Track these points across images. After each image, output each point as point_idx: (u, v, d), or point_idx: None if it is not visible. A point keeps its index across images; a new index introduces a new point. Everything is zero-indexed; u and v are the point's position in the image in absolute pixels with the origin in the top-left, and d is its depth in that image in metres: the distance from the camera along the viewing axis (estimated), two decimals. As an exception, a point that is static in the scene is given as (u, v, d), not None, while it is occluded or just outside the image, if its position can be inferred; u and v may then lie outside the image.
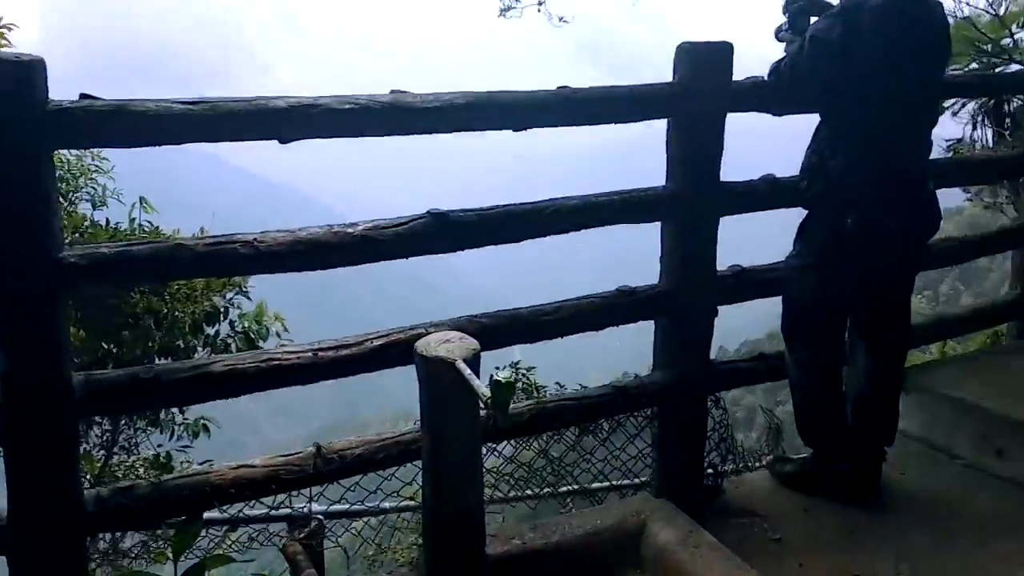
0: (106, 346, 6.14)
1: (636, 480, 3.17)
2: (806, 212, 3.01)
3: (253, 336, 6.43)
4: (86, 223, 5.52)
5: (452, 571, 2.23)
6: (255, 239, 2.22)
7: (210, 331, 6.49)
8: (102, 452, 7.17)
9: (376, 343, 2.45)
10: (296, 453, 2.48)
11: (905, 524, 2.85)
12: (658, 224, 2.88)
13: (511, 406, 1.75)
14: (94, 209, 5.91)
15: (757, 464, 3.34)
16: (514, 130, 2.50)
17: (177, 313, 5.92)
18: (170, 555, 2.42)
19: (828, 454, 3.05)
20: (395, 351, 2.44)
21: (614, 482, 3.26)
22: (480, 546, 2.28)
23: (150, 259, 2.10)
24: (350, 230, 2.34)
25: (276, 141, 2.20)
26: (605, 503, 2.56)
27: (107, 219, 5.90)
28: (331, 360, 2.39)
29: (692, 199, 2.81)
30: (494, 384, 1.73)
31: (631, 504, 2.54)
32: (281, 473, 2.42)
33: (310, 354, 2.38)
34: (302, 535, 2.79)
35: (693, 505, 2.87)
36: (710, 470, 3.02)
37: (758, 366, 3.19)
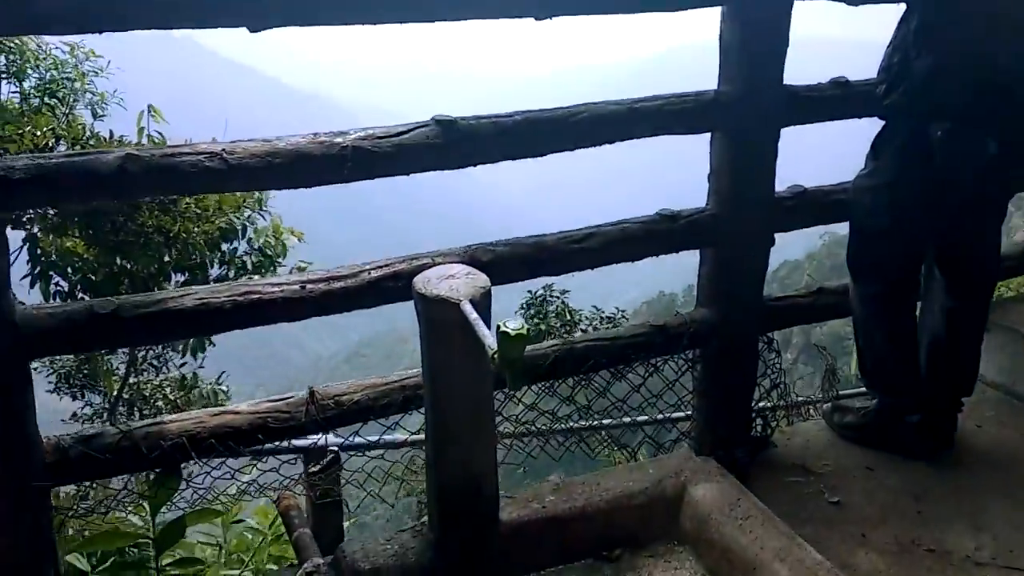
0: (120, 262, 5.93)
1: (680, 413, 2.79)
2: (882, 123, 2.54)
3: (271, 253, 6.17)
4: (86, 134, 5.20)
5: (459, 540, 1.93)
6: (223, 150, 1.85)
7: (226, 248, 6.25)
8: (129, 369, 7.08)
9: (373, 275, 2.10)
10: (286, 397, 2.17)
11: (982, 486, 2.48)
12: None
13: (522, 362, 1.38)
14: (94, 119, 5.59)
15: (811, 412, 2.96)
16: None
17: (191, 231, 5.66)
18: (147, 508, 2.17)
19: (895, 404, 2.67)
20: (395, 284, 2.09)
21: (652, 416, 2.88)
22: (492, 512, 1.98)
23: (90, 172, 1.75)
24: (339, 140, 1.96)
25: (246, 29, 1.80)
26: (636, 464, 2.22)
27: (111, 131, 5.59)
28: (321, 294, 2.05)
29: (749, 104, 2.36)
30: (501, 337, 1.37)
31: (668, 462, 2.20)
32: (269, 421, 2.12)
33: (296, 287, 2.04)
34: (317, 468, 2.53)
35: (738, 460, 2.54)
36: (759, 420, 2.67)
37: (817, 301, 2.79)
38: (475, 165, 2.15)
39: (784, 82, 2.42)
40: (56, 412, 8.12)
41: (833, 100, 2.57)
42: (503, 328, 1.37)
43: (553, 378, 2.38)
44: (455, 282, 1.71)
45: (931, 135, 2.33)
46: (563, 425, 2.60)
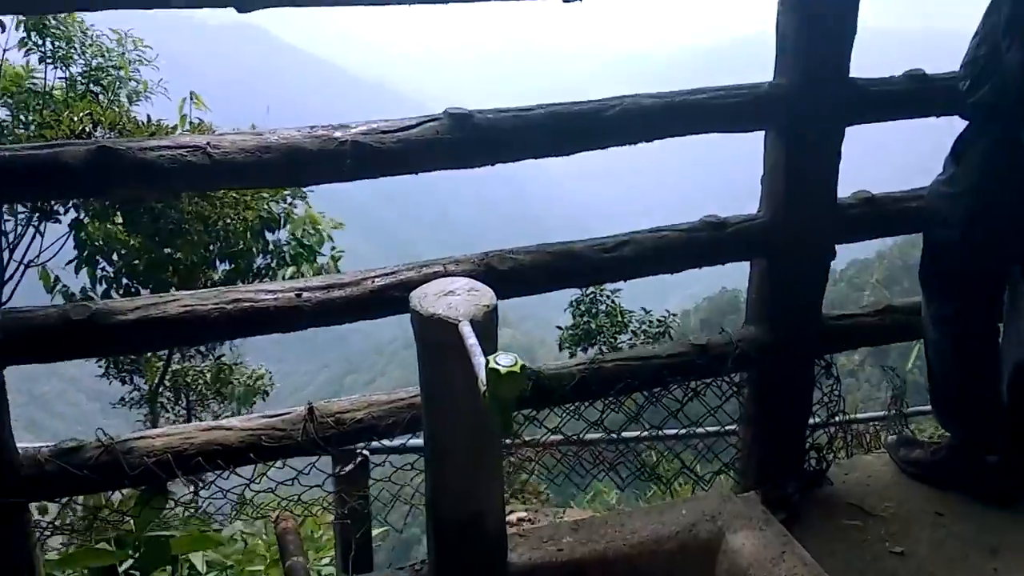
0: (166, 251, 5.91)
1: (726, 428, 2.50)
2: (965, 123, 2.23)
3: (308, 244, 6.07)
4: (123, 119, 5.15)
5: (459, 587, 1.71)
6: (207, 143, 1.67)
7: (271, 238, 6.18)
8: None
9: (377, 283, 1.89)
10: (282, 414, 1.99)
11: (1072, 540, 2.16)
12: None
13: (514, 405, 1.16)
14: (130, 104, 5.55)
15: (872, 444, 2.66)
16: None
17: (228, 220, 5.59)
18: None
19: (971, 440, 2.35)
20: (402, 295, 1.88)
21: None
22: (497, 552, 1.75)
23: (56, 166, 1.58)
24: (338, 134, 1.75)
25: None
26: (668, 503, 1.97)
27: (148, 115, 5.54)
28: (318, 304, 1.86)
29: (809, 100, 2.08)
30: (491, 374, 1.14)
31: (704, 503, 1.95)
32: (262, 439, 1.94)
33: (291, 295, 1.85)
34: (344, 471, 2.36)
35: (788, 496, 2.27)
36: (813, 452, 2.39)
37: (884, 321, 2.48)
38: (493, 164, 1.92)
39: (851, 75, 2.13)
40: (108, 395, 8.22)
41: (907, 96, 2.26)
42: (492, 364, 1.15)
43: (579, 400, 2.14)
44: (454, 299, 1.49)
45: (1022, 139, 2.02)
46: (586, 470, 2.35)
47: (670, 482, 2.35)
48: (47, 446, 1.86)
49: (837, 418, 2.39)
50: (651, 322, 8.21)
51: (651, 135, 2.01)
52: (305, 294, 1.85)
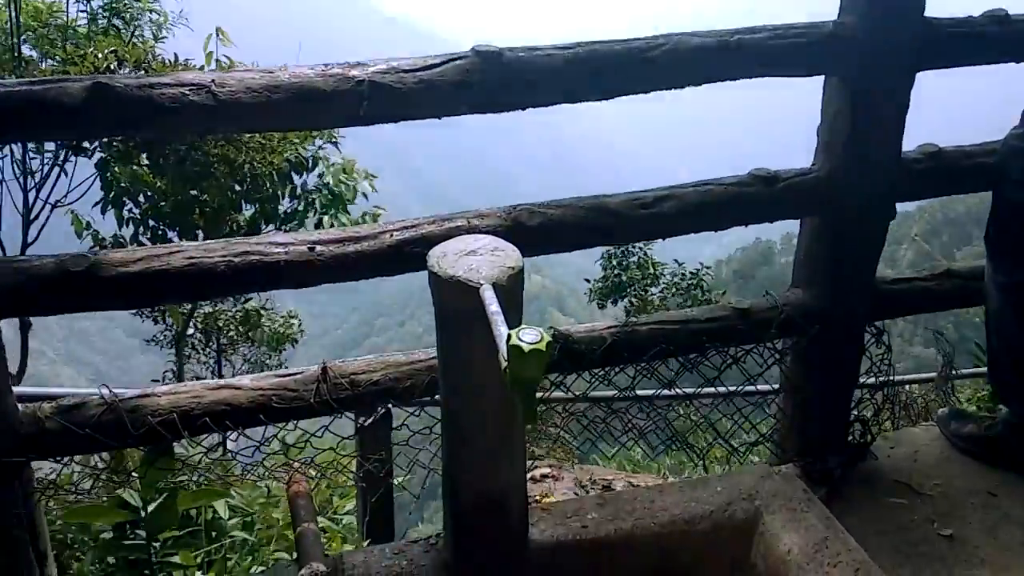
0: (192, 193, 5.82)
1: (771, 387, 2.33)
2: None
3: (339, 191, 5.93)
4: (148, 56, 5.00)
5: (476, 565, 1.61)
6: (212, 81, 1.52)
7: (298, 181, 6.05)
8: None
9: (395, 237, 1.75)
10: (294, 373, 1.88)
11: None
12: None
13: (536, 385, 1.03)
14: (155, 40, 5.39)
15: (919, 415, 2.50)
16: None
17: (255, 163, 5.46)
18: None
19: (1032, 416, 2.19)
20: (422, 250, 1.74)
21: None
22: (518, 531, 1.64)
23: (51, 104, 1.45)
24: (354, 73, 1.59)
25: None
26: (701, 479, 1.83)
27: (175, 54, 5.39)
28: (332, 258, 1.72)
29: (877, 41, 1.87)
30: (512, 351, 1.00)
31: (740, 479, 1.81)
32: (273, 399, 1.84)
33: (303, 248, 1.72)
34: (368, 423, 2.27)
35: (830, 471, 2.13)
36: (858, 424, 2.23)
37: (942, 286, 2.29)
38: (524, 108, 1.75)
39: (924, 14, 1.91)
40: (144, 332, 8.24)
41: (987, 39, 2.02)
42: (515, 340, 1.01)
43: (609, 366, 2.00)
44: (476, 260, 1.34)
45: None
46: (616, 437, 2.21)
47: (703, 453, 2.22)
48: (46, 403, 1.77)
49: (886, 389, 2.22)
50: (683, 275, 8.03)
51: (701, 78, 1.82)
52: (319, 247, 1.72)
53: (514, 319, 1.37)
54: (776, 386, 2.29)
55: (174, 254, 1.67)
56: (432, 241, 1.75)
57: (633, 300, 7.73)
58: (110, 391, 1.78)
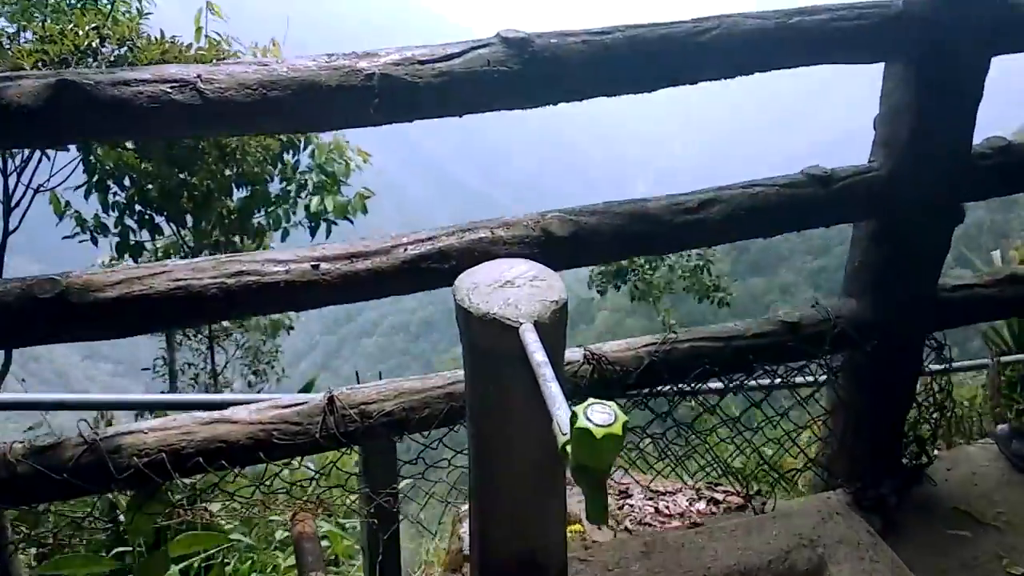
0: (182, 176, 5.56)
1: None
2: None
3: (331, 171, 5.67)
4: (133, 33, 4.71)
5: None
6: (199, 76, 1.30)
7: (289, 160, 5.79)
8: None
9: (410, 251, 1.54)
10: (297, 404, 1.67)
11: None
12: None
13: (605, 476, 0.82)
14: (140, 16, 5.09)
15: (975, 433, 2.31)
16: None
17: (247, 143, 5.20)
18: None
19: (1105, 435, 2.01)
20: (440, 266, 1.53)
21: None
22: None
23: (5, 105, 1.22)
24: (363, 65, 1.37)
25: None
26: (755, 520, 1.64)
27: (161, 31, 5.09)
28: (339, 277, 1.51)
29: (950, 20, 1.66)
30: (581, 437, 0.80)
31: (798, 523, 1.62)
32: (274, 435, 1.63)
33: (306, 266, 1.50)
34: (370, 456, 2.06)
35: (884, 499, 1.94)
36: (914, 446, 2.04)
37: (1004, 293, 2.09)
38: (557, 103, 1.53)
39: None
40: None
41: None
42: (582, 422, 0.80)
43: (647, 387, 1.80)
44: (513, 292, 1.13)
45: None
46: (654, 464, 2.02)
47: (748, 480, 2.02)
48: (17, 443, 1.56)
49: (946, 407, 2.03)
50: (688, 255, 7.80)
51: (754, 65, 1.60)
52: (324, 265, 1.50)
53: (557, 358, 1.17)
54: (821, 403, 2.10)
55: (158, 275, 1.45)
56: (450, 255, 1.55)
57: (637, 284, 7.53)
58: (90, 428, 1.58)
